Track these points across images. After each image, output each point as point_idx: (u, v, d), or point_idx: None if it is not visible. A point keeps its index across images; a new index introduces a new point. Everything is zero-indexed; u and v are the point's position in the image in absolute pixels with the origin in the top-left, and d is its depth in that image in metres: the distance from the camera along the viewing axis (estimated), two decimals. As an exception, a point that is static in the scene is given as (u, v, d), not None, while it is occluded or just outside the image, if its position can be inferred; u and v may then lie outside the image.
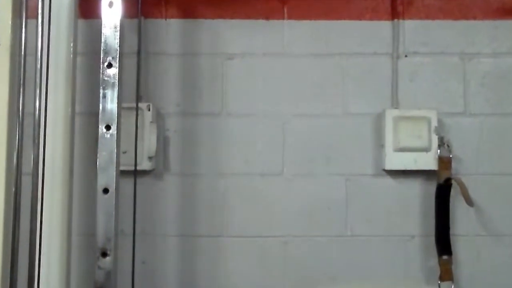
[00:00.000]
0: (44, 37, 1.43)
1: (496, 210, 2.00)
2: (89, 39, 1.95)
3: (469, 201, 1.92)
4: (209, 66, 2.08)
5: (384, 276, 1.99)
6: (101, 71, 1.44)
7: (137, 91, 1.93)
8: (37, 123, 1.43)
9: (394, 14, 2.05)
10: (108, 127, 1.42)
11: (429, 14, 2.05)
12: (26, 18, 1.34)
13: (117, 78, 1.42)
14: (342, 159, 2.00)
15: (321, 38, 2.02)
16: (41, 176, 1.44)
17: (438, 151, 1.95)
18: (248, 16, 2.07)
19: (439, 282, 1.93)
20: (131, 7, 1.92)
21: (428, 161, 1.93)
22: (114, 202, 1.40)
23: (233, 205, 2.03)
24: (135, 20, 1.99)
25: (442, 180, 1.94)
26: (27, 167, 1.36)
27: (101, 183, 1.41)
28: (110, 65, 1.44)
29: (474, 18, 2.05)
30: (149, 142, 1.95)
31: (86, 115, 1.94)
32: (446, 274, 1.92)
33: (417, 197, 2.00)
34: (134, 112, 1.87)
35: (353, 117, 2.00)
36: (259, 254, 1.99)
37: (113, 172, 1.40)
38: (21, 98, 1.36)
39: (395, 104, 2.01)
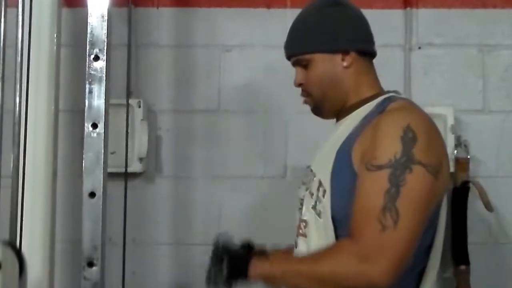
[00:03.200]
0: (24, 27, 1.43)
1: (517, 216, 2.00)
2: (74, 29, 1.95)
3: (489, 206, 1.92)
4: (204, 58, 2.08)
5: None
6: (87, 65, 1.45)
7: (127, 86, 1.93)
8: (18, 121, 1.43)
9: (407, 2, 2.05)
10: (94, 126, 1.43)
11: (444, 2, 2.05)
12: (6, 6, 1.34)
13: (104, 72, 1.43)
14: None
15: (327, 29, 2.02)
16: (21, 179, 1.44)
17: (455, 151, 1.95)
18: (247, 4, 2.07)
19: (455, 294, 1.94)
20: (119, -6, 1.92)
21: (444, 163, 1.93)
22: (101, 207, 1.41)
23: (231, 211, 2.03)
24: (124, 9, 1.99)
25: (458, 183, 1.94)
26: (6, 169, 1.36)
27: (87, 186, 1.42)
28: (97, 58, 1.44)
29: (494, 6, 2.05)
30: (139, 141, 1.95)
31: (71, 112, 1.94)
32: (463, 285, 1.92)
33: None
34: (124, 109, 1.87)
35: (362, 115, 2.00)
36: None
37: (100, 175, 1.41)
38: (-1, 94, 1.36)
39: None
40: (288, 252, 1.35)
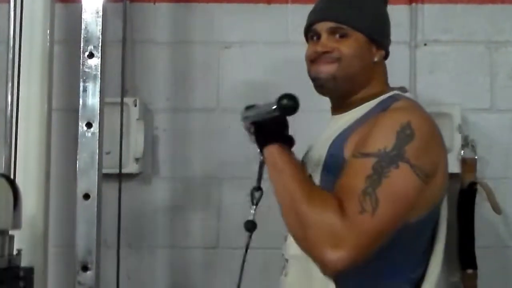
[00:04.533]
0: (16, 23, 1.43)
1: (527, 219, 2.00)
2: (67, 25, 1.94)
3: (497, 208, 1.91)
4: (203, 55, 2.08)
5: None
6: (81, 62, 1.44)
7: (122, 84, 1.93)
8: (9, 121, 1.43)
9: (412, -3, 2.05)
10: (89, 125, 1.42)
11: (451, -3, 2.06)
12: (-3, 1, 1.34)
13: (99, 70, 1.43)
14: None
15: (329, 25, 2.02)
16: (13, 180, 1.44)
17: (462, 152, 1.95)
18: None
19: (462, 299, 1.94)
20: (115, -11, 1.92)
21: (450, 163, 1.89)
22: (95, 209, 1.41)
23: (230, 212, 2.03)
24: (120, 4, 1.98)
25: (465, 184, 1.94)
26: (-2, 169, 1.36)
27: (81, 188, 1.41)
28: (91, 55, 1.44)
29: (503, 1, 2.05)
30: (135, 141, 1.95)
31: (64, 111, 1.93)
32: (471, 290, 1.92)
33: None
34: (119, 108, 1.87)
35: (366, 114, 2.00)
36: (261, 268, 1.98)
37: (94, 176, 1.41)
38: (-10, 92, 1.36)
39: (413, 98, 2.00)
40: (303, 170, 1.32)
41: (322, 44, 1.31)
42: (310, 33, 1.36)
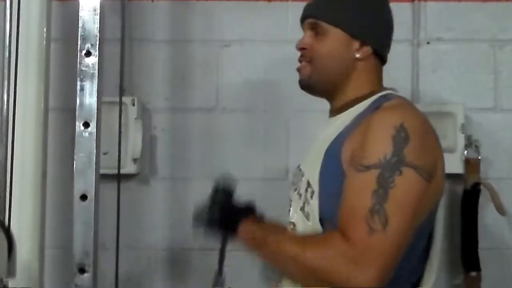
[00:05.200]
0: (13, 21, 1.43)
1: (531, 220, 2.00)
2: (64, 23, 1.94)
3: (501, 209, 1.91)
4: (202, 54, 2.08)
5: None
6: (78, 60, 1.44)
7: (120, 83, 1.93)
8: (5, 120, 1.42)
9: (415, -6, 2.05)
10: (86, 125, 1.42)
11: (454, -6, 2.06)
12: (-7, -1, 1.34)
13: (96, 68, 1.42)
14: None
15: (330, 23, 2.02)
16: (9, 181, 1.44)
17: (465, 152, 1.95)
18: (247, -3, 2.07)
19: (466, 302, 1.93)
20: (113, -14, 1.92)
21: (454, 164, 1.93)
22: (93, 211, 1.40)
23: (230, 214, 2.02)
24: (118, 2, 1.98)
25: (469, 185, 1.94)
26: (-6, 170, 1.36)
27: (78, 188, 1.41)
28: (88, 53, 1.44)
29: (507, -1, 2.05)
30: (133, 141, 1.95)
31: (61, 110, 1.93)
32: (474, 293, 1.92)
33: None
34: (117, 107, 1.87)
35: (368, 113, 2.00)
36: (258, 269, 1.98)
37: (92, 176, 1.40)
38: (-14, 91, 1.36)
39: (415, 98, 2.00)
40: (284, 228, 1.34)
41: (301, 40, 1.33)
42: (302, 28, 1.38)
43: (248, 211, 1.29)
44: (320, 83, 1.32)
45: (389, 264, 1.10)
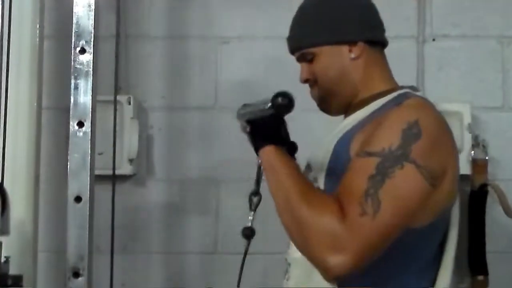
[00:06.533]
0: (4, 18, 1.43)
1: (540, 222, 2.00)
2: (58, 19, 1.95)
3: (509, 211, 1.91)
4: (200, 51, 2.08)
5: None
6: (72, 58, 1.44)
7: (115, 81, 1.93)
8: (-3, 119, 1.43)
9: (420, -10, 2.05)
10: (80, 124, 1.42)
11: (461, -10, 2.06)
12: (-16, -5, 1.34)
13: (91, 66, 1.42)
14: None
15: (333, 19, 2.02)
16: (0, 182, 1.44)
17: (472, 152, 1.95)
18: (246, -8, 2.08)
19: (473, 307, 1.94)
20: (108, -19, 1.92)
21: (460, 164, 1.91)
22: (87, 213, 1.40)
23: (229, 216, 2.03)
24: (113, -3, 1.99)
25: (476, 186, 1.94)
26: (-15, 171, 1.36)
27: (72, 190, 1.41)
28: (83, 51, 1.43)
29: (515, -6, 2.06)
30: (129, 141, 1.95)
31: (55, 110, 1.94)
32: (482, 297, 1.93)
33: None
34: (112, 106, 1.87)
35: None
36: (261, 272, 1.99)
37: (86, 178, 1.40)
38: (-23, 90, 1.37)
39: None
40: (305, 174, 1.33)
41: (301, 75, 1.37)
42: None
43: (283, 141, 1.28)
44: (334, 103, 1.35)
45: (368, 250, 1.10)
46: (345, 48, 1.31)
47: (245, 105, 1.34)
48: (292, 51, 1.38)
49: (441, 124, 1.22)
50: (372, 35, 1.34)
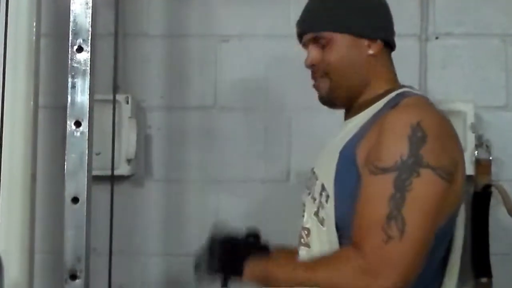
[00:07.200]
0: (0, 15, 1.43)
1: (545, 224, 2.00)
2: (55, 17, 1.94)
3: (513, 213, 1.92)
4: (199, 50, 2.08)
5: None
6: (69, 56, 1.43)
7: (113, 80, 1.93)
8: (-7, 119, 1.43)
9: (423, -13, 2.05)
10: (78, 124, 1.41)
11: (464, -13, 2.06)
12: (-21, -8, 1.34)
13: (88, 65, 1.42)
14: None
15: (334, 17, 2.02)
16: (-3, 183, 1.44)
17: (475, 152, 1.95)
18: (246, -10, 2.08)
19: (476, 310, 1.94)
20: (105, -21, 1.92)
21: (464, 165, 1.93)
22: (85, 214, 1.40)
23: (229, 218, 2.02)
24: (111, -5, 1.99)
25: (479, 187, 1.94)
26: (-19, 171, 1.36)
27: (69, 191, 1.41)
28: (80, 49, 1.43)
29: (519, -8, 2.06)
30: (127, 141, 1.95)
31: (52, 109, 1.94)
32: (485, 300, 1.92)
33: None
34: (110, 106, 1.87)
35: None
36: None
37: (84, 178, 1.40)
38: (-27, 89, 1.36)
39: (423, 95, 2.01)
40: (292, 252, 1.34)
41: (309, 57, 1.33)
42: (301, 42, 1.37)
43: (250, 248, 1.29)
44: (342, 94, 1.32)
45: (409, 272, 1.10)
46: (365, 43, 1.30)
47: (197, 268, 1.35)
48: (304, 32, 1.33)
49: (442, 121, 1.22)
50: (388, 36, 1.35)
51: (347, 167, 1.22)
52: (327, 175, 1.25)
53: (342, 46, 1.30)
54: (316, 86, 1.34)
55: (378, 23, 1.33)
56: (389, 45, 1.35)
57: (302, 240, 1.31)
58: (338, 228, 1.21)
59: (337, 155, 1.24)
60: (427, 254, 1.13)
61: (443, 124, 1.22)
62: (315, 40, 1.32)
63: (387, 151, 1.15)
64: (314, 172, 1.34)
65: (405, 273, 1.10)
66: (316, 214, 1.26)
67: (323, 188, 1.26)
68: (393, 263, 1.09)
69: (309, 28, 1.33)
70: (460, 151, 1.24)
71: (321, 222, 1.25)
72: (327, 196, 1.24)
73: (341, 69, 1.30)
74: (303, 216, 1.33)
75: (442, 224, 1.18)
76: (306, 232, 1.30)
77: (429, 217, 1.12)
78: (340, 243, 1.21)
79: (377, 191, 1.14)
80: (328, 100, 1.34)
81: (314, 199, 1.28)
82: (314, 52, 1.32)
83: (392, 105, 1.24)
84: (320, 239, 1.25)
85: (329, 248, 1.22)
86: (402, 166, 1.12)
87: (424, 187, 1.12)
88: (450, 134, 1.23)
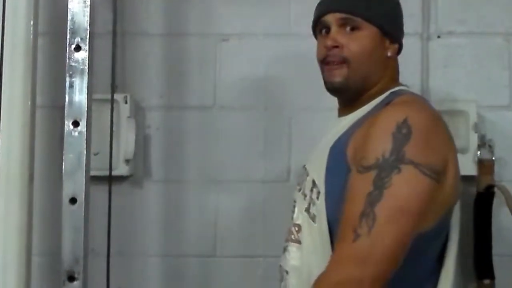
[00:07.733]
0: (-2, 14, 1.43)
1: (548, 225, 2.00)
2: (52, 16, 1.95)
3: (516, 214, 1.92)
4: (199, 49, 2.08)
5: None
6: (67, 55, 1.44)
7: (112, 79, 1.93)
8: (-10, 119, 1.43)
9: (425, -15, 2.05)
10: (76, 124, 1.42)
11: (467, -15, 2.06)
12: (-24, -10, 1.34)
13: (87, 64, 1.42)
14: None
15: (335, 15, 2.02)
16: (-6, 183, 1.44)
17: (478, 152, 1.95)
18: (246, -12, 2.07)
19: (479, 311, 1.93)
20: (104, -23, 1.92)
21: (466, 165, 1.93)
22: (83, 215, 1.40)
23: (228, 218, 2.03)
24: (109, -7, 1.99)
25: (482, 187, 1.94)
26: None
27: (67, 191, 1.41)
28: (78, 48, 1.44)
29: (523, -10, 2.05)
30: (126, 141, 1.95)
31: (49, 108, 1.93)
32: (488, 302, 1.92)
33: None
34: (108, 105, 1.87)
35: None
36: (259, 278, 1.99)
37: (82, 178, 1.40)
38: (-30, 88, 1.36)
39: (425, 95, 2.00)
40: None
41: (332, 37, 1.28)
42: (319, 26, 1.34)
43: None
44: (357, 83, 1.29)
45: (378, 267, 1.08)
46: (386, 43, 1.31)
47: None
48: (334, 10, 1.29)
49: (432, 118, 1.20)
50: (401, 41, 1.37)
51: (337, 163, 1.22)
52: (317, 171, 1.25)
53: (369, 37, 1.29)
54: (330, 76, 1.30)
55: (401, 27, 1.36)
56: (400, 49, 1.37)
57: (292, 236, 1.30)
58: (329, 225, 1.21)
59: (327, 152, 1.24)
60: (405, 251, 1.11)
61: (433, 120, 1.20)
62: (343, 22, 1.28)
63: (372, 149, 1.14)
64: (305, 168, 1.33)
65: (373, 268, 1.07)
66: (307, 210, 1.26)
67: (314, 184, 1.25)
68: (360, 260, 1.07)
69: (342, 6, 1.29)
70: (452, 150, 1.23)
71: (312, 218, 1.24)
72: (318, 193, 1.24)
73: (362, 59, 1.28)
74: (293, 211, 1.33)
75: (432, 225, 1.18)
76: (296, 228, 1.30)
77: (406, 213, 1.10)
78: (332, 239, 1.20)
79: (358, 189, 1.13)
80: (340, 88, 1.30)
81: (305, 195, 1.28)
82: (340, 33, 1.28)
83: (385, 103, 1.24)
84: (312, 236, 1.25)
85: (320, 245, 1.22)
86: (383, 163, 1.11)
87: (405, 184, 1.11)
88: (440, 131, 1.21)
